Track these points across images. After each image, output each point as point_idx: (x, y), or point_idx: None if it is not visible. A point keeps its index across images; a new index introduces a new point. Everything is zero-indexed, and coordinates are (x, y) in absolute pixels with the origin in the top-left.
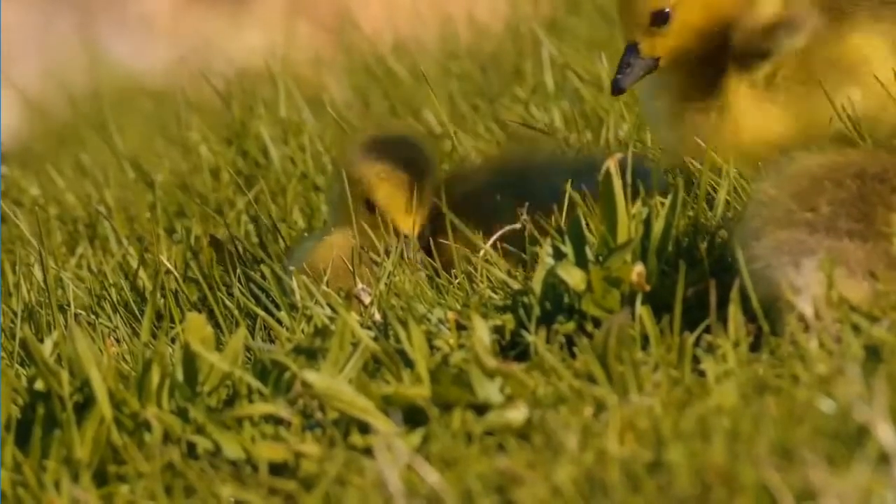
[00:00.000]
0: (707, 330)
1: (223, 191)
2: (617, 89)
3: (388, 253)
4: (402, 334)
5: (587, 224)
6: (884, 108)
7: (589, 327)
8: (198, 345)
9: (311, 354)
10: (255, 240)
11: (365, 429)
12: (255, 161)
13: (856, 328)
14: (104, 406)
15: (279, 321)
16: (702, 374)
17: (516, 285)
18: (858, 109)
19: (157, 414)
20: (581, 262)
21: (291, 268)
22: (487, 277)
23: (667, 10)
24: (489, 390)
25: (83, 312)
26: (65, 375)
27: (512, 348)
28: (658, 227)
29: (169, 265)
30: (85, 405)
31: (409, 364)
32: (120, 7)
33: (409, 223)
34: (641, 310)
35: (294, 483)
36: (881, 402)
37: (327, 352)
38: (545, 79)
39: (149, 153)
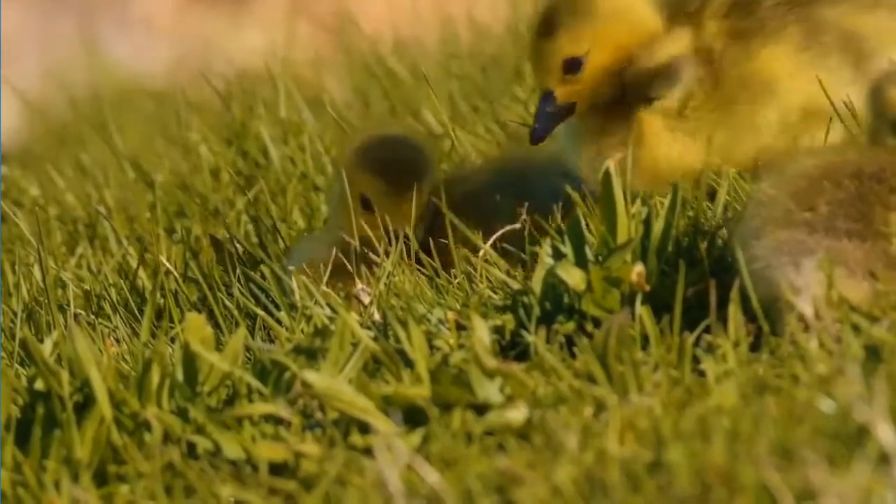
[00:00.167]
0: (707, 330)
1: (223, 191)
2: (536, 138)
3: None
4: (402, 334)
5: (587, 224)
6: (801, 120)
7: (589, 327)
8: (198, 345)
9: (311, 354)
10: (255, 240)
11: (365, 429)
12: (255, 161)
13: (856, 328)
14: (104, 406)
15: (279, 321)
16: (702, 374)
17: (516, 285)
18: (775, 128)
19: (157, 414)
20: (581, 262)
21: (291, 268)
22: (487, 277)
23: (579, 57)
24: (489, 390)
25: (83, 312)
26: (65, 375)
27: (512, 348)
28: (658, 227)
29: (169, 265)
30: (85, 405)
31: (409, 364)
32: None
33: (405, 221)
34: (641, 310)
35: (294, 483)
36: (881, 402)
37: (327, 352)
38: None
39: (149, 153)
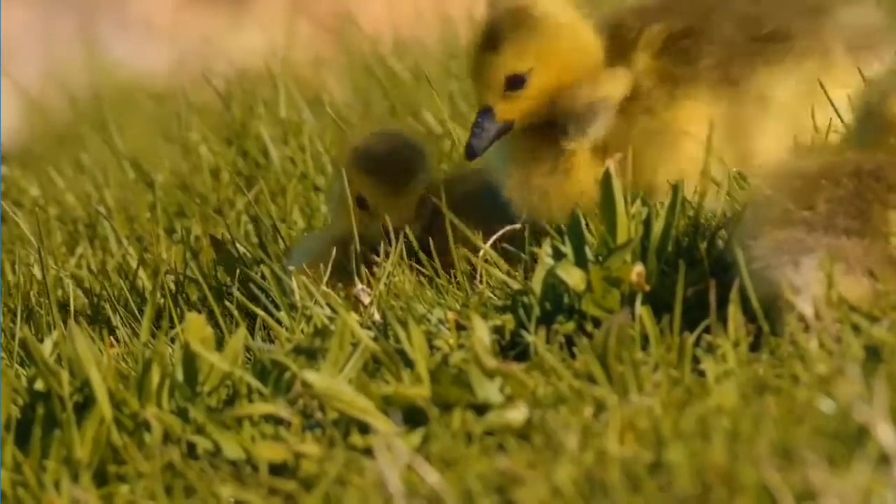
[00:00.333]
0: (707, 330)
1: (223, 191)
2: (471, 154)
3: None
4: (402, 334)
5: (587, 224)
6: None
7: (589, 327)
8: (198, 345)
9: (311, 354)
10: (255, 240)
11: (365, 429)
12: (255, 161)
13: (856, 328)
14: (104, 406)
15: (279, 321)
16: (702, 374)
17: (516, 285)
18: (684, 174)
19: (157, 414)
20: (581, 262)
21: (291, 268)
22: (487, 278)
23: (523, 74)
24: (489, 390)
25: (83, 312)
26: (65, 375)
27: (512, 348)
28: (658, 227)
29: (169, 265)
30: (85, 405)
31: (409, 364)
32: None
33: (400, 219)
34: (641, 310)
35: (294, 483)
36: (881, 402)
37: (327, 352)
38: None
39: (149, 153)
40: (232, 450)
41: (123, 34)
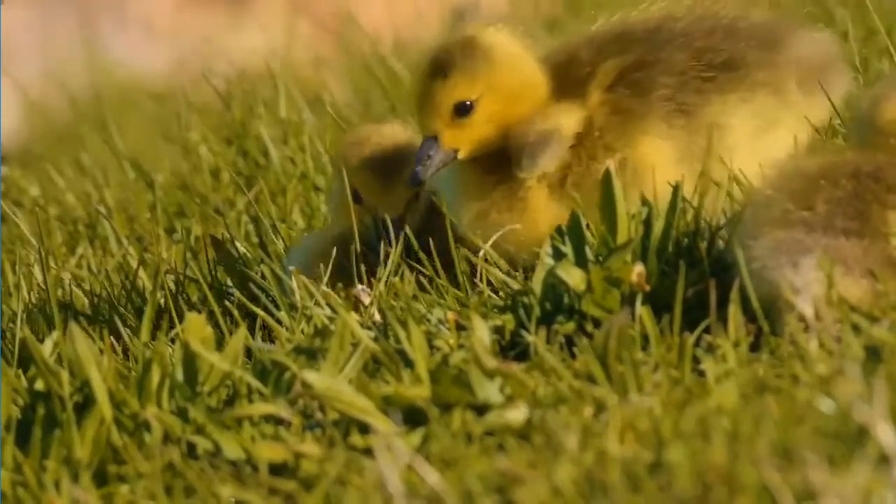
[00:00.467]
0: (707, 330)
1: (223, 191)
2: (415, 182)
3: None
4: (402, 334)
5: (587, 224)
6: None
7: (589, 327)
8: (198, 345)
9: (311, 354)
10: (255, 240)
11: (365, 429)
12: (255, 161)
13: (856, 328)
14: (104, 406)
15: (279, 321)
16: (702, 374)
17: (516, 285)
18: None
19: (157, 414)
20: (581, 262)
21: (291, 268)
22: (487, 278)
23: (470, 101)
24: (489, 390)
25: (83, 312)
26: (65, 375)
27: (512, 348)
28: (658, 227)
29: (169, 265)
30: (85, 405)
31: (409, 364)
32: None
33: (394, 211)
34: (641, 310)
35: (294, 483)
36: (881, 402)
37: (327, 352)
38: None
39: (149, 153)
40: (232, 450)
41: (123, 34)
